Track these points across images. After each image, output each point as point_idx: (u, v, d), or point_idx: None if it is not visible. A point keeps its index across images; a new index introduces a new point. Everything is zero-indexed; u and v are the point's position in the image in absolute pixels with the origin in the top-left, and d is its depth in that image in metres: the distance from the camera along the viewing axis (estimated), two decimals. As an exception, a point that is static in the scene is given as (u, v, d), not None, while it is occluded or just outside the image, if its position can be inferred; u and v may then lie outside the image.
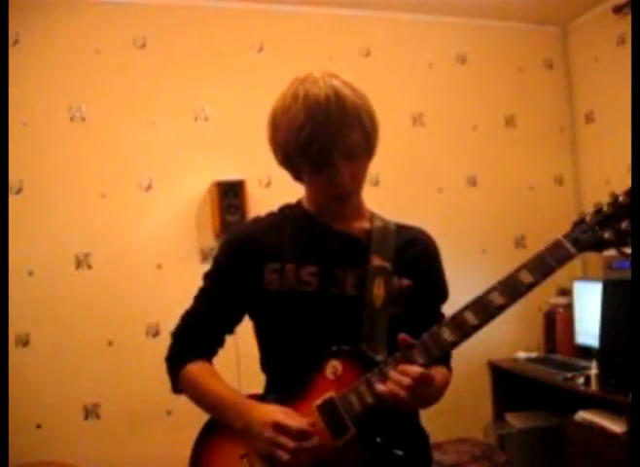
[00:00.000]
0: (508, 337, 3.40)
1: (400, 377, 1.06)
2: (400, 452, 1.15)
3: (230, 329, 1.34)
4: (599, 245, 1.05)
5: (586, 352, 3.11)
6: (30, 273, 2.84)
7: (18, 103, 2.82)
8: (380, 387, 1.08)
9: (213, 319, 1.31)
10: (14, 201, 2.79)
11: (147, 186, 3.04)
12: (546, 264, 1.05)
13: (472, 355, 3.26)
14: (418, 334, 1.19)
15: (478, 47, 3.61)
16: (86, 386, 2.85)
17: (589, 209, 1.09)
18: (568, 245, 1.05)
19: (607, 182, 3.37)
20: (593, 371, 2.66)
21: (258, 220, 1.35)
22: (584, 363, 2.94)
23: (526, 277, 1.05)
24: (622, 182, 1.12)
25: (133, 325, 2.92)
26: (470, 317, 1.07)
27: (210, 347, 1.32)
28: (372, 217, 1.34)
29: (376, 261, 1.24)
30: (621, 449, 2.36)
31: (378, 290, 1.22)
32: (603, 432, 2.50)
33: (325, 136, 1.14)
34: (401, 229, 1.34)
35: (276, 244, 1.26)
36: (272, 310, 1.25)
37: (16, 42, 2.88)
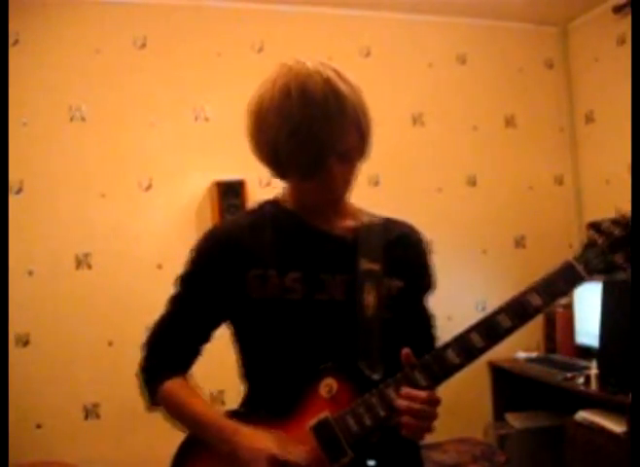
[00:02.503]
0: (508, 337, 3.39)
1: (411, 405, 1.01)
2: None
3: (206, 338, 1.23)
4: (610, 269, 1.04)
5: (586, 352, 3.10)
6: (30, 273, 2.84)
7: (18, 103, 2.82)
8: (400, 419, 1.01)
9: (189, 329, 1.20)
10: (14, 201, 2.79)
11: (147, 186, 3.04)
12: (556, 287, 1.02)
13: (472, 355, 3.26)
14: (409, 335, 1.17)
15: (478, 47, 3.61)
16: (86, 386, 2.85)
17: (592, 219, 1.07)
18: (580, 269, 1.02)
19: (607, 182, 3.37)
20: (593, 371, 2.66)
21: (237, 220, 1.26)
22: (584, 363, 2.94)
23: (535, 300, 1.02)
24: (622, 182, 1.12)
25: (133, 325, 2.90)
26: (476, 339, 1.03)
27: (187, 360, 1.22)
28: (356, 213, 1.25)
29: (365, 264, 1.16)
30: (621, 448, 2.36)
31: (369, 296, 1.14)
32: (603, 432, 2.50)
33: (321, 139, 1.05)
34: (388, 225, 1.25)
35: (258, 248, 1.16)
36: (256, 319, 1.16)
37: (16, 42, 2.88)
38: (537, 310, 1.03)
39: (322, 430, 1.07)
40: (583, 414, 2.65)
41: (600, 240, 1.04)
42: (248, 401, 1.22)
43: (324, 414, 1.07)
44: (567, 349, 3.28)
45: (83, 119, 2.97)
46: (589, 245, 1.05)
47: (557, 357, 3.26)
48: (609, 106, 3.43)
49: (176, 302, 1.22)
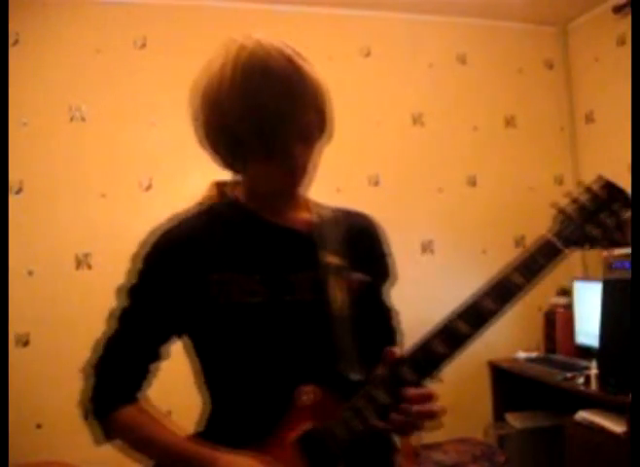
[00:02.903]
0: (508, 337, 3.39)
1: (407, 407, 0.95)
2: None
3: (157, 356, 1.10)
4: (585, 241, 1.03)
5: (586, 352, 3.10)
6: (30, 273, 2.84)
7: (18, 103, 2.82)
8: (394, 417, 0.96)
9: (141, 347, 1.08)
10: (14, 201, 2.79)
11: (147, 186, 3.04)
12: (536, 263, 1.00)
13: (472, 355, 3.22)
14: (372, 329, 1.13)
15: (478, 47, 3.61)
16: (86, 386, 2.85)
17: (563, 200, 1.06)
18: (555, 241, 1.01)
19: (607, 182, 3.37)
20: (593, 371, 2.66)
21: (184, 221, 1.13)
22: (584, 363, 2.94)
23: (517, 278, 0.99)
24: (623, 182, 1.12)
25: (133, 325, 2.93)
26: (462, 326, 0.97)
27: (140, 383, 1.09)
28: (308, 205, 1.17)
29: (328, 258, 1.09)
30: (621, 449, 2.36)
31: (337, 292, 1.07)
32: (603, 432, 2.50)
33: (284, 118, 0.98)
34: (343, 215, 1.18)
35: (215, 250, 1.06)
36: (220, 327, 1.04)
37: (16, 42, 2.88)
38: (519, 289, 0.99)
39: (308, 442, 0.99)
40: (582, 414, 2.65)
41: (570, 210, 1.04)
42: (214, 418, 1.09)
43: (308, 425, 1.00)
44: (567, 349, 3.28)
45: (83, 119, 2.97)
46: (564, 219, 1.04)
47: (557, 357, 3.25)
48: (609, 106, 3.43)
49: (123, 317, 1.09)
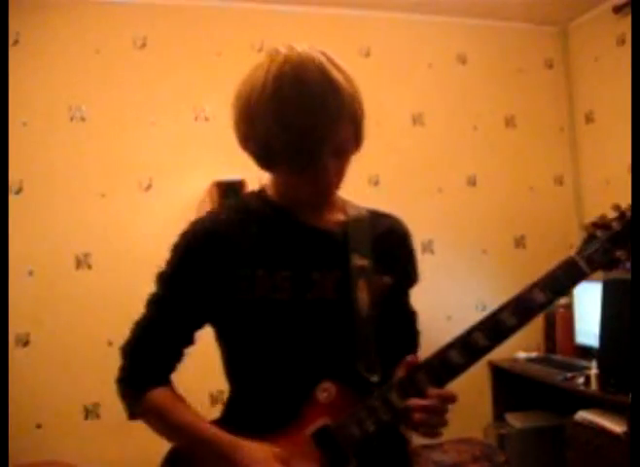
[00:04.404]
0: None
1: (422, 402, 0.99)
2: None
3: (190, 341, 1.15)
4: (612, 264, 1.04)
5: (586, 352, 3.10)
6: (30, 273, 2.84)
7: (18, 103, 2.81)
8: (417, 416, 0.98)
9: (173, 332, 1.13)
10: (14, 201, 2.79)
11: (147, 186, 3.04)
12: (559, 284, 1.02)
13: (472, 355, 3.25)
14: (395, 332, 1.16)
15: (478, 47, 3.61)
16: (86, 386, 2.85)
17: (591, 218, 1.06)
18: (582, 265, 1.02)
19: (607, 182, 3.37)
20: (593, 371, 2.66)
21: (219, 216, 1.16)
22: (584, 363, 2.94)
23: (539, 297, 1.01)
24: (623, 182, 1.12)
25: (133, 325, 2.92)
26: (480, 339, 1.01)
27: (169, 365, 1.15)
28: (344, 206, 1.19)
29: (357, 260, 1.11)
30: (621, 449, 2.36)
31: (362, 293, 1.09)
32: (603, 432, 2.50)
33: (317, 131, 0.98)
34: (375, 218, 1.20)
35: (246, 246, 1.09)
36: (245, 320, 1.09)
37: (16, 42, 2.88)
38: (541, 307, 1.01)
39: (323, 437, 1.02)
40: (583, 414, 2.65)
41: (600, 235, 1.03)
42: (235, 406, 1.15)
43: (323, 421, 1.03)
44: (567, 349, 3.28)
45: (83, 119, 2.97)
46: (589, 240, 1.04)
47: (557, 357, 3.26)
48: (609, 106, 3.43)
49: (158, 303, 1.14)
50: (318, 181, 1.05)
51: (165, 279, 1.14)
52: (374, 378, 1.06)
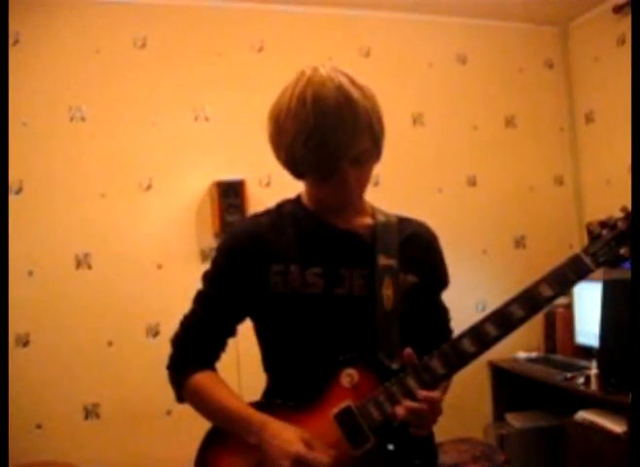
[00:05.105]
0: (508, 337, 3.39)
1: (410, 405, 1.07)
2: (418, 463, 1.16)
3: (232, 332, 1.30)
4: (616, 262, 1.11)
5: (586, 352, 3.10)
6: (30, 273, 2.84)
7: (18, 103, 2.82)
8: (408, 404, 1.07)
9: (215, 324, 1.26)
10: (14, 201, 2.79)
11: (147, 186, 3.04)
12: (565, 278, 1.10)
13: (472, 355, 3.25)
14: (426, 328, 1.25)
15: (478, 47, 3.61)
16: (86, 386, 2.85)
17: (592, 218, 1.14)
18: (587, 261, 1.10)
19: (607, 182, 3.37)
20: (593, 371, 2.66)
21: (257, 218, 1.29)
22: (584, 363, 2.94)
23: (546, 291, 1.09)
24: (623, 182, 1.15)
25: (133, 325, 2.92)
26: (490, 329, 1.10)
27: (214, 353, 1.29)
28: (373, 212, 1.31)
29: (383, 259, 1.21)
30: (621, 449, 2.36)
31: (388, 290, 1.19)
32: (603, 432, 2.50)
33: (335, 144, 1.09)
34: (402, 222, 1.31)
35: (279, 245, 1.22)
36: (277, 313, 1.21)
37: (16, 42, 2.88)
38: (548, 301, 1.09)
39: (345, 418, 1.12)
40: (583, 414, 2.65)
41: (605, 233, 1.10)
42: (270, 392, 1.28)
43: (346, 403, 1.12)
44: (567, 349, 3.28)
45: (83, 119, 2.97)
46: (595, 238, 1.11)
47: (557, 357, 3.26)
48: (609, 106, 3.43)
49: (203, 299, 1.27)
50: (340, 189, 1.17)
51: (210, 278, 1.27)
52: (395, 366, 1.15)
